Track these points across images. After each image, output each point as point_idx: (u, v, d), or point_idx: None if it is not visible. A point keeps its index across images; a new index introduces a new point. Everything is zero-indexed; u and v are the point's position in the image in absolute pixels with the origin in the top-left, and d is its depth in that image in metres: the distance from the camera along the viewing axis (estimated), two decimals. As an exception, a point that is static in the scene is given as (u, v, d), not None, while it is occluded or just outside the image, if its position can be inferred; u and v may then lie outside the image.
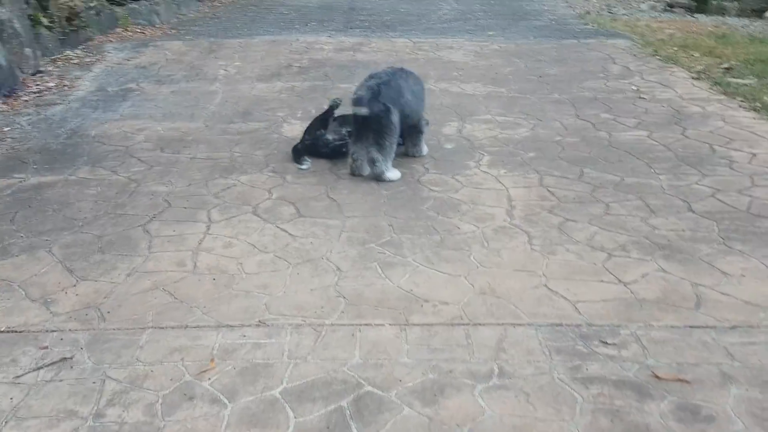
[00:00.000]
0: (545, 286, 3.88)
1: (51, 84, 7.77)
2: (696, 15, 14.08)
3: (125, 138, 6.18)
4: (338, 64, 8.72)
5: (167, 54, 9.24)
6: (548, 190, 5.10)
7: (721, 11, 15.00)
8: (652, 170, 5.42)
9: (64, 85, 7.78)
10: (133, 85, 7.82)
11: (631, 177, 5.30)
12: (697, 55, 9.25)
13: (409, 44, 9.86)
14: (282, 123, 6.58)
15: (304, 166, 5.51)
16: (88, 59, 8.70)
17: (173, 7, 12.41)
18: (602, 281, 3.93)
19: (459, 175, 5.40)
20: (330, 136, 5.74)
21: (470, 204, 4.89)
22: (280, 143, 6.04)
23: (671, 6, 15.48)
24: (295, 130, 6.24)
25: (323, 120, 5.87)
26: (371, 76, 5.45)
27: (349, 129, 5.61)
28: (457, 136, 6.22)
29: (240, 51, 9.42)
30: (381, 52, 9.40)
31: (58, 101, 7.24)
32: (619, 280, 3.93)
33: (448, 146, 5.95)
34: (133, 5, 11.38)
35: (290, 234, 4.47)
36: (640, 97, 7.25)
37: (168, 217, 4.69)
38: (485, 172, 5.44)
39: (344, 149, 5.57)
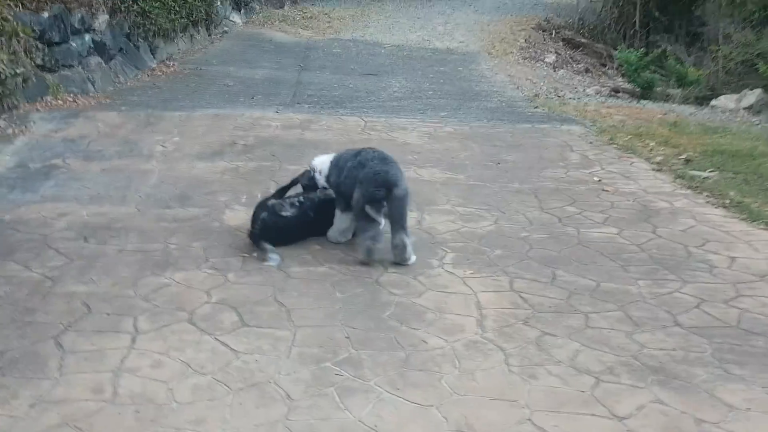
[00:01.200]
0: (529, 420, 3.35)
1: (-34, 157, 7.04)
2: (642, 101, 14.13)
3: (44, 224, 5.49)
4: (286, 143, 8.22)
5: (100, 126, 8.60)
6: (520, 296, 4.61)
7: (666, 98, 15.16)
8: (629, 274, 5.00)
9: (-18, 159, 7.07)
10: (58, 161, 7.14)
11: (608, 282, 4.86)
12: (653, 144, 9.04)
13: (361, 123, 9.44)
14: (224, 209, 5.99)
15: (273, 263, 4.91)
16: (9, 130, 7.98)
17: (110, 75, 11.79)
18: (594, 414, 3.41)
19: (421, 275, 4.88)
20: (287, 212, 5.20)
21: (436, 312, 4.36)
22: (222, 233, 5.44)
23: (616, 91, 15.59)
24: (239, 217, 5.66)
25: (282, 190, 5.39)
26: (361, 154, 5.13)
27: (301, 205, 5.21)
28: (417, 228, 5.71)
29: (180, 125, 8.84)
30: (331, 130, 8.94)
31: (-27, 177, 6.51)
32: (613, 414, 3.42)
33: (409, 239, 5.42)
34: (66, 72, 10.72)
35: (232, 349, 3.85)
36: (603, 190, 6.91)
37: (86, 327, 4.02)
38: (450, 272, 4.94)
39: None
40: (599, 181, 7.22)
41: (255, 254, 5.01)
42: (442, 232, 5.64)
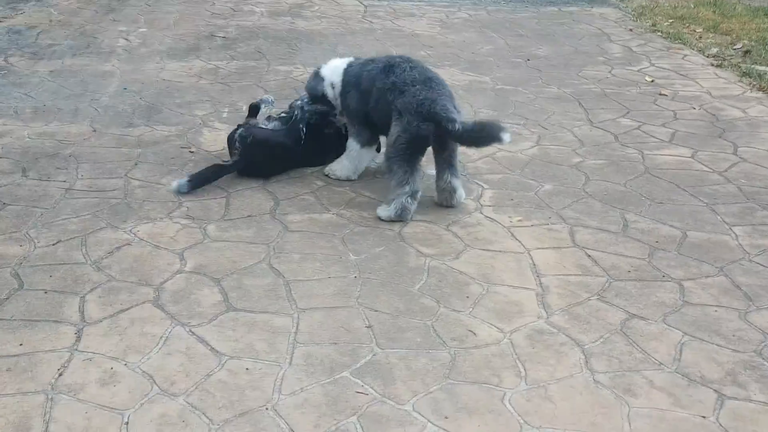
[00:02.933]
0: (637, 470, 2.33)
1: None
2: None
3: (-29, 152, 4.32)
4: (274, 35, 6.91)
5: (53, 13, 7.24)
6: (588, 255, 3.54)
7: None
8: (719, 216, 3.93)
9: None
10: (-1, 61, 5.86)
11: (695, 230, 3.79)
12: (700, 30, 7.79)
13: (360, 8, 8.08)
14: (201, 128, 4.81)
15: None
16: (-58, 20, 6.65)
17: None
18: (725, 457, 2.40)
19: (456, 223, 3.79)
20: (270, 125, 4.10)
21: (482, 282, 3.30)
22: (199, 164, 4.29)
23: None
24: (220, 140, 4.49)
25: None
26: (394, 72, 3.85)
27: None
28: (442, 153, 4.56)
29: (148, 12, 7.47)
30: (326, 18, 7.60)
31: None
32: (752, 456, 2.41)
33: (432, 171, 4.29)
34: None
35: (213, 349, 2.80)
36: (660, 94, 5.74)
37: (14, 312, 2.95)
38: (491, 219, 3.84)
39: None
40: (652, 81, 6.05)
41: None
42: (474, 159, 4.51)
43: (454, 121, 3.63)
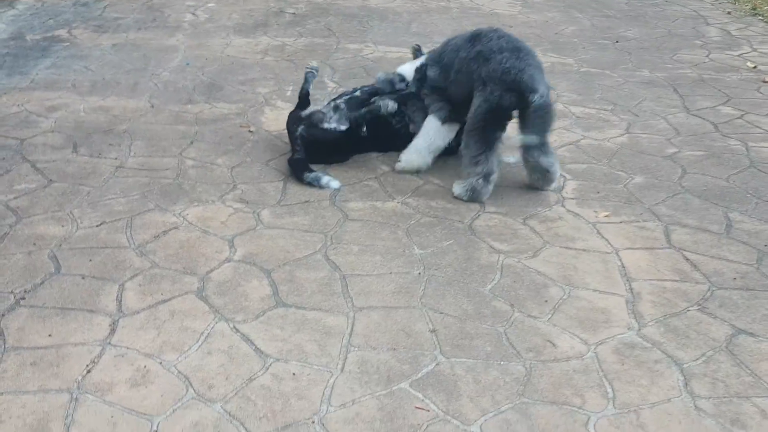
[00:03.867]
0: None
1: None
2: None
3: (25, 123, 4.15)
4: (345, 12, 6.59)
5: (122, -13, 7.06)
6: (685, 258, 3.10)
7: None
8: (839, 220, 3.42)
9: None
10: (62, 33, 5.72)
11: (811, 234, 3.30)
12: (806, 15, 7.12)
13: (437, -14, 7.67)
14: (263, 106, 4.52)
15: (335, 185, 3.54)
16: (12, -8, 6.55)
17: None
18: None
19: (534, 217, 3.40)
20: (331, 124, 3.73)
21: (562, 284, 2.90)
22: (258, 144, 4.01)
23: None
24: (282, 119, 4.18)
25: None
26: (481, 41, 3.51)
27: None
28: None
29: (218, -13, 7.23)
30: (400, -5, 7.23)
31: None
32: None
33: (510, 159, 3.92)
34: None
35: (257, 349, 2.49)
36: (764, 81, 5.18)
37: (47, 299, 2.71)
38: (574, 213, 3.43)
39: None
40: (755, 67, 5.49)
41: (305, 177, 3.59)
42: (555, 147, 4.09)
43: (535, 91, 3.25)
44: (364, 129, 3.74)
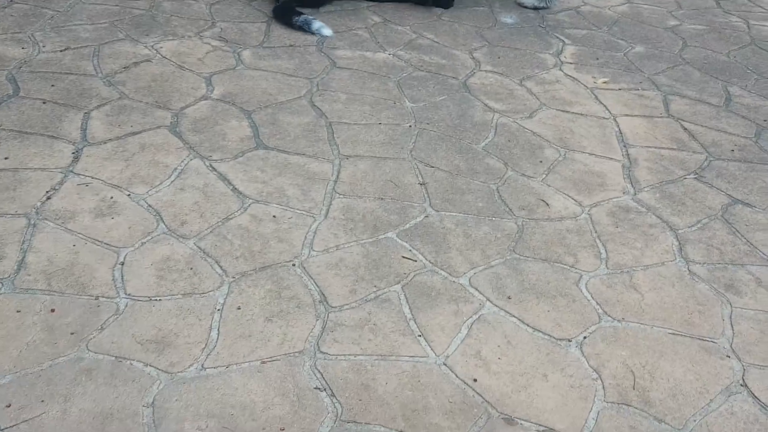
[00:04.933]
0: (743, 385, 1.88)
1: None
2: None
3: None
4: None
5: None
6: (683, 127, 2.98)
7: None
8: (840, 102, 3.31)
9: None
10: None
11: (812, 113, 3.19)
12: None
13: None
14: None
15: (326, 32, 3.29)
16: None
17: None
18: None
19: (531, 78, 3.22)
20: None
21: (558, 146, 2.77)
22: (237, -18, 3.71)
23: None
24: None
25: None
26: None
27: None
28: (514, 3, 3.95)
29: None
30: None
31: None
32: None
33: (507, 19, 3.70)
34: None
35: (234, 189, 2.33)
36: (771, -38, 4.94)
37: (3, 121, 2.49)
38: (572, 77, 3.27)
39: None
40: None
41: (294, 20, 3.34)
42: (554, 11, 3.88)
43: None
44: None
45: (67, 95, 2.66)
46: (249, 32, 3.28)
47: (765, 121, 3.08)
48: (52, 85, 2.70)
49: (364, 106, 2.87)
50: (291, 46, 3.23)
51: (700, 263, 2.28)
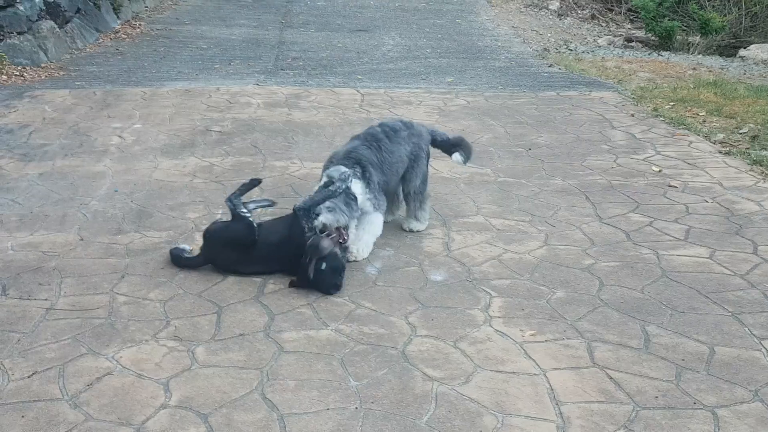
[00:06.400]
0: None
1: None
2: (662, 53, 12.70)
3: (-53, 268, 4.08)
4: (270, 128, 6.77)
5: (46, 110, 7.12)
6: (609, 376, 3.27)
7: (687, 48, 13.70)
8: (746, 329, 3.67)
9: None
10: (-13, 163, 5.69)
11: (723, 344, 3.54)
12: (703, 114, 7.68)
13: (357, 96, 7.98)
14: (193, 232, 4.59)
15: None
16: (-68, 119, 6.52)
17: (66, 41, 10.21)
18: None
19: (464, 339, 3.53)
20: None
21: (496, 411, 3.02)
22: (190, 274, 4.05)
23: (629, 41, 14.16)
24: (212, 247, 4.23)
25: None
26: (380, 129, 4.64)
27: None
28: (446, 256, 4.36)
29: (143, 106, 7.36)
30: (323, 108, 7.49)
31: None
32: None
33: (437, 277, 4.08)
34: (14, 40, 9.17)
35: (198, 506, 2.49)
36: (669, 186, 5.54)
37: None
38: (501, 333, 3.59)
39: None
40: (660, 171, 5.88)
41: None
42: (479, 262, 4.28)
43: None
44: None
45: (36, 425, 2.86)
46: (201, 326, 3.57)
47: (683, 360, 3.39)
48: (23, 416, 2.90)
49: (312, 391, 3.11)
50: (241, 335, 3.51)
51: None
